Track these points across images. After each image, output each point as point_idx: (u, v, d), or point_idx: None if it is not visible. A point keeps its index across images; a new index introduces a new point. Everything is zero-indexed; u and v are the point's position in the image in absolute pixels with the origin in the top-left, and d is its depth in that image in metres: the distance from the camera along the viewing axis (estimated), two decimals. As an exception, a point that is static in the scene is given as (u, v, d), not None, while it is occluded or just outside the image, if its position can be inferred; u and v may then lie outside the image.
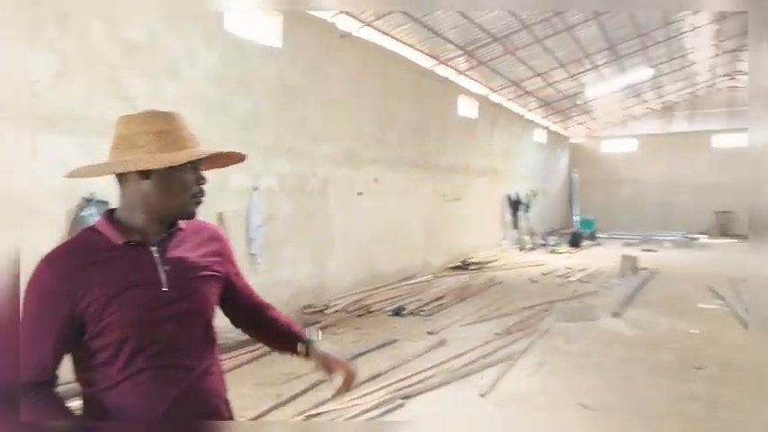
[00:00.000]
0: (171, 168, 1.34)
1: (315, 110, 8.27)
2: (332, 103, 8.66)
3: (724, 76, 20.57)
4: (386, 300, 8.49)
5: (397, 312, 7.68)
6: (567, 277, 11.04)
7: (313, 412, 4.17)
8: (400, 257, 10.45)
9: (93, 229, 1.39)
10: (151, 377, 1.33)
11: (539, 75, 14.85)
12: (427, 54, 11.42)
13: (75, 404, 1.38)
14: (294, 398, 4.49)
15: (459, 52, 11.83)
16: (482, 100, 14.84)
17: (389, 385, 4.74)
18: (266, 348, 5.67)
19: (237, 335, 5.91)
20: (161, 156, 1.33)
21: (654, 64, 16.31)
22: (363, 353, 5.77)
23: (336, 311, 7.70)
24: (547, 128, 20.94)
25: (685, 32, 14.66)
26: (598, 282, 10.49)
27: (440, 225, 12.29)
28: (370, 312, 7.76)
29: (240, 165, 1.58)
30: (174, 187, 1.37)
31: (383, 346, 6.07)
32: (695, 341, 6.40)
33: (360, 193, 9.26)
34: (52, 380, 1.33)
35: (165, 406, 1.33)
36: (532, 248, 16.34)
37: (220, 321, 1.60)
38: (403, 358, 5.58)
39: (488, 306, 8.22)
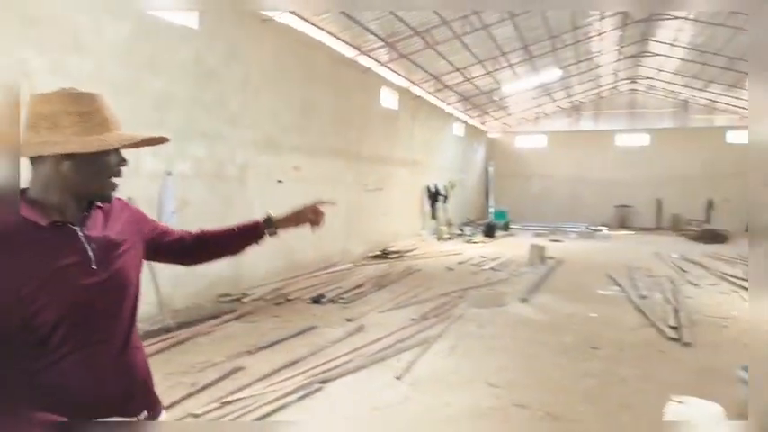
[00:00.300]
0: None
1: (232, 94, 8.06)
2: (251, 88, 8.47)
3: (626, 79, 22.18)
4: (305, 288, 8.49)
5: (317, 300, 7.70)
6: (481, 266, 11.53)
7: (229, 399, 4.13)
8: (321, 246, 10.44)
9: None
10: (87, 354, 1.35)
11: (458, 70, 15.29)
12: (348, 43, 11.44)
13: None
14: (209, 386, 4.43)
15: (381, 43, 11.94)
16: (403, 92, 15.07)
17: (308, 370, 4.79)
18: (179, 338, 5.58)
19: (149, 325, 5.77)
20: (90, 138, 1.31)
21: (563, 65, 17.29)
22: (282, 340, 5.77)
23: (254, 300, 7.60)
24: (465, 122, 21.62)
25: (592, 37, 15.66)
26: (509, 270, 11.04)
27: (361, 214, 12.39)
28: (289, 300, 7.73)
29: (153, 147, 1.57)
30: (96, 170, 1.37)
31: (302, 332, 6.09)
32: (594, 324, 6.92)
33: (280, 181, 9.15)
34: None
35: (102, 381, 1.36)
36: (450, 238, 16.89)
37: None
38: (321, 344, 5.63)
39: (406, 293, 8.44)
